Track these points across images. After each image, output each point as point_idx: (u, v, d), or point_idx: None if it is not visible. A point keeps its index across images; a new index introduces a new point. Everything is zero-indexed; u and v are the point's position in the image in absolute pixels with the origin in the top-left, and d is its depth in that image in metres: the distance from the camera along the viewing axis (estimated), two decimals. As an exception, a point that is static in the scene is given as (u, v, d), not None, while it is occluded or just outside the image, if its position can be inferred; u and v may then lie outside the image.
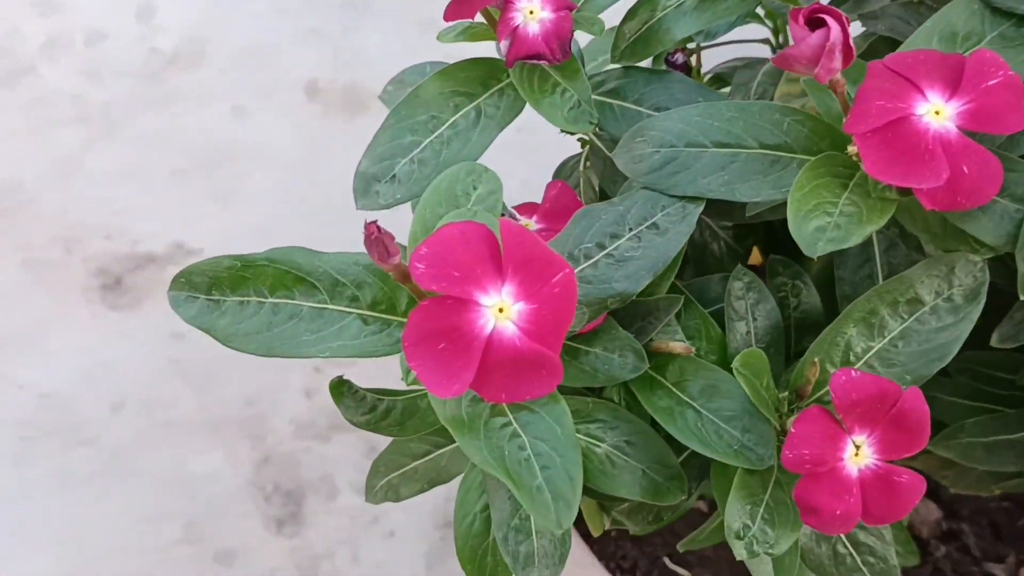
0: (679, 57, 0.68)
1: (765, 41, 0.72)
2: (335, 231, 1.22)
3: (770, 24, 0.71)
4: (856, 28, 0.58)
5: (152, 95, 1.32)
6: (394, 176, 0.55)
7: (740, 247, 0.68)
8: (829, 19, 0.47)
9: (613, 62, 0.60)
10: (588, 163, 0.64)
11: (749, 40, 0.73)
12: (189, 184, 1.26)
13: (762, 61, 0.70)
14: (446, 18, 0.53)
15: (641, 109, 0.60)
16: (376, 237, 0.45)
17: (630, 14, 0.60)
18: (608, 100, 0.60)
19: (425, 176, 0.55)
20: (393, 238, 0.46)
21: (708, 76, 0.74)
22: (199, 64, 1.35)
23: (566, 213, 0.61)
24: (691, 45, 0.72)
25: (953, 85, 0.51)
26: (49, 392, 1.12)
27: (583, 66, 0.57)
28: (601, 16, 0.59)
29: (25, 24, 1.39)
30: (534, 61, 0.56)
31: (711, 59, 0.75)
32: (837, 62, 0.48)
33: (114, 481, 1.06)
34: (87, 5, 1.41)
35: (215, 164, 1.27)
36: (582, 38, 0.60)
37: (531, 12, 0.55)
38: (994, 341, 0.59)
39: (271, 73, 1.33)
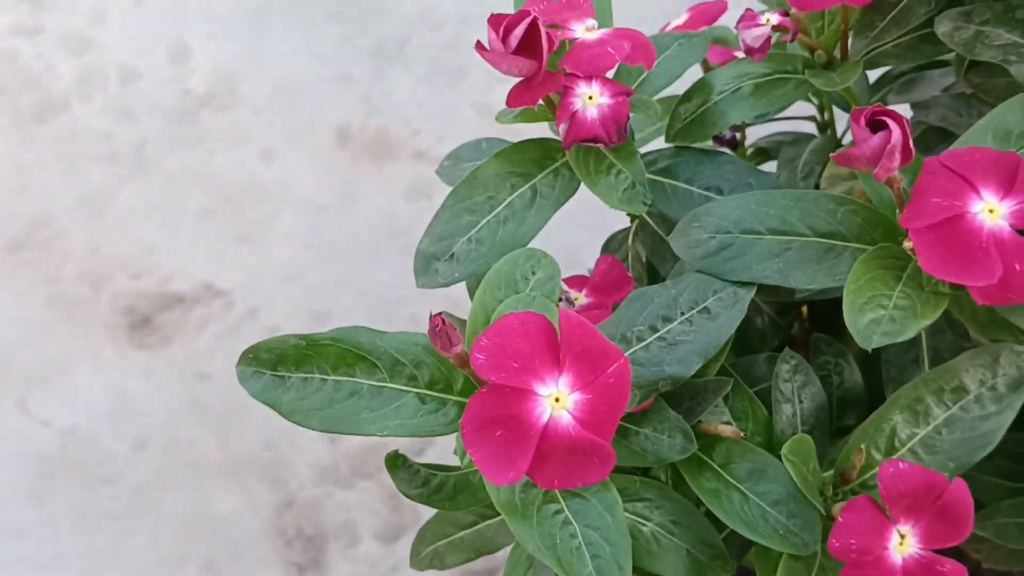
0: (727, 133, 0.69)
1: (811, 118, 0.73)
2: (361, 275, 1.24)
3: (815, 101, 0.72)
4: (904, 113, 0.59)
5: (184, 135, 1.33)
6: (453, 255, 0.56)
7: (782, 320, 0.68)
8: (891, 121, 0.48)
9: (668, 142, 0.61)
10: (637, 237, 0.65)
11: (794, 117, 0.74)
12: (218, 225, 1.26)
13: (807, 137, 0.71)
14: (509, 104, 0.54)
15: (692, 189, 0.60)
16: (440, 329, 0.46)
17: (685, 97, 0.61)
18: (660, 179, 0.61)
19: (482, 255, 0.56)
20: (456, 329, 0.47)
21: (751, 149, 0.75)
22: (231, 106, 1.36)
23: (615, 287, 0.62)
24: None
25: (1007, 184, 0.51)
26: (72, 429, 1.12)
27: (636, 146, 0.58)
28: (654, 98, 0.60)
29: (59, 61, 1.40)
30: (591, 143, 0.56)
31: (755, 131, 0.76)
32: (896, 162, 0.49)
33: (134, 520, 1.07)
34: (122, 45, 1.42)
35: (244, 205, 1.28)
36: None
37: (590, 97, 0.56)
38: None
39: (302, 117, 1.34)
